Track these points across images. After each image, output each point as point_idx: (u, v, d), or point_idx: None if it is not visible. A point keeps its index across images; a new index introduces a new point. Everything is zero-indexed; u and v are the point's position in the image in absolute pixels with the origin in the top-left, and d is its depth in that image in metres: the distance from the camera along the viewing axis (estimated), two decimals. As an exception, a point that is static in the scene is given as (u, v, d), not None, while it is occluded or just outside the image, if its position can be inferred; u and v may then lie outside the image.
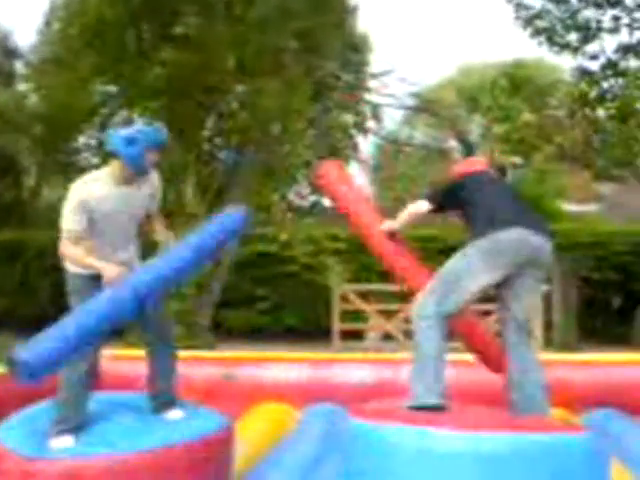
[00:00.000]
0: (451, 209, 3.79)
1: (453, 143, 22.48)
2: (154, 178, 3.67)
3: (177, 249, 3.45)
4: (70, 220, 3.41)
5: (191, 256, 3.40)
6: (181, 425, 3.44)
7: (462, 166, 3.97)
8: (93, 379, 3.51)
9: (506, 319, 3.44)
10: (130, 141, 3.42)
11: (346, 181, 4.16)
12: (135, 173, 3.50)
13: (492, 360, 3.72)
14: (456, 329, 3.67)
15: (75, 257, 3.42)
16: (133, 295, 3.20)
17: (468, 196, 3.60)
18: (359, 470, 2.89)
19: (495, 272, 3.31)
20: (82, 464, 3.07)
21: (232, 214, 3.71)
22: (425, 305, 3.31)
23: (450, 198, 3.70)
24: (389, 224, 3.83)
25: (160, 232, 3.75)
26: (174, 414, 3.58)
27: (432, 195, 3.79)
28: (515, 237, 3.32)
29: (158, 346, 3.64)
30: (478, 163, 3.96)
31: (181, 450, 3.20)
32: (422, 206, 3.73)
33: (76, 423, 3.34)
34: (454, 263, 3.38)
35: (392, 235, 3.84)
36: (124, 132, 3.47)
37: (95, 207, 3.43)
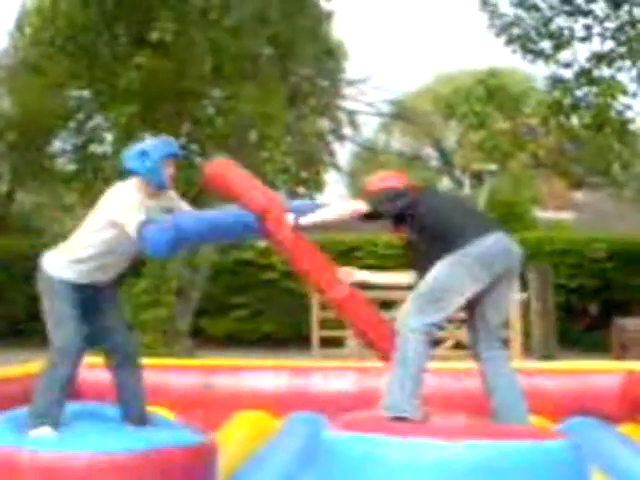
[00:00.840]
0: (394, 220, 3.57)
1: (429, 150, 22.62)
2: (171, 193, 3.69)
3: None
4: (136, 213, 3.33)
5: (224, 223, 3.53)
6: (159, 434, 3.39)
7: (394, 182, 3.74)
8: (72, 387, 3.48)
9: (477, 327, 3.40)
10: (143, 154, 3.47)
11: (241, 175, 3.91)
12: (156, 187, 3.52)
13: (378, 343, 3.62)
14: (344, 310, 3.69)
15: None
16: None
17: (429, 211, 3.45)
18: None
19: (479, 282, 3.25)
20: (63, 459, 3.04)
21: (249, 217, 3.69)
22: (410, 317, 3.26)
23: (404, 210, 3.48)
24: (293, 218, 3.62)
25: None
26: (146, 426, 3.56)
27: (378, 201, 3.55)
28: (498, 244, 3.30)
29: (125, 366, 3.59)
30: (400, 179, 3.79)
31: (161, 455, 3.16)
32: (360, 207, 3.54)
33: (53, 419, 3.32)
34: (438, 273, 3.28)
35: (296, 229, 3.65)
36: (136, 148, 3.53)
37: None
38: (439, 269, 3.28)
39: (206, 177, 3.88)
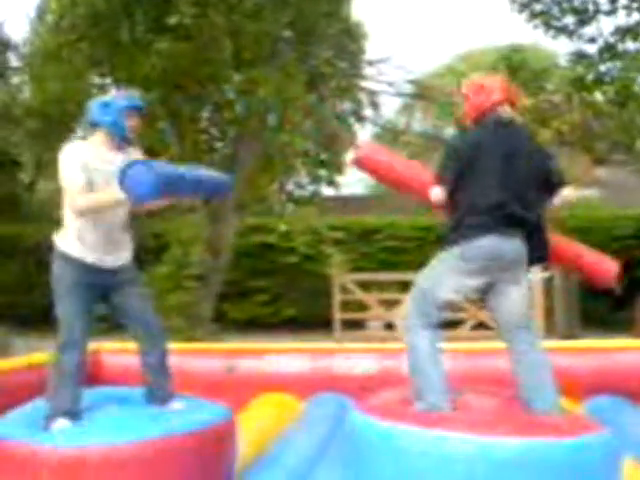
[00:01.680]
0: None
1: (451, 130, 22.44)
2: (137, 150, 3.69)
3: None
4: (73, 178, 3.38)
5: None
6: (181, 416, 3.40)
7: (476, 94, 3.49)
8: (84, 372, 3.47)
9: (499, 322, 3.40)
10: (105, 106, 3.49)
11: (386, 154, 3.93)
12: (120, 140, 3.54)
13: None
14: None
15: (95, 202, 3.38)
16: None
17: (464, 171, 3.31)
18: (368, 473, 2.85)
19: (469, 278, 3.27)
20: (83, 453, 3.02)
21: (221, 177, 3.76)
22: (409, 317, 3.34)
23: (455, 176, 3.32)
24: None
25: None
26: (174, 406, 3.56)
27: (440, 175, 3.41)
28: (486, 246, 3.24)
29: (149, 341, 3.60)
30: (493, 90, 3.47)
31: (181, 440, 3.14)
32: (435, 194, 3.42)
33: (71, 409, 3.32)
34: (428, 271, 3.37)
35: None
36: (99, 100, 3.55)
37: (93, 168, 3.43)
38: (430, 264, 3.37)
39: (357, 161, 3.87)
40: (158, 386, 3.60)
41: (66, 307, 3.42)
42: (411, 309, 3.34)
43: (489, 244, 3.23)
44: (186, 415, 3.39)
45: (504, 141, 3.38)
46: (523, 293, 3.37)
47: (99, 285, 3.49)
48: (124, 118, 3.51)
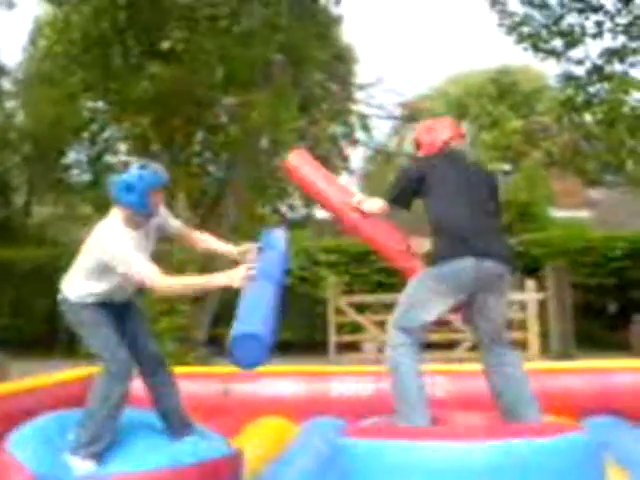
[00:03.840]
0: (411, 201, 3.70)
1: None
2: (161, 210, 3.65)
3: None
4: (136, 261, 3.31)
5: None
6: (192, 447, 3.41)
7: (424, 135, 3.81)
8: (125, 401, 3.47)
9: (478, 336, 3.54)
10: (129, 188, 3.41)
11: (317, 167, 4.16)
12: (143, 218, 3.51)
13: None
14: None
15: (183, 285, 3.46)
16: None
17: (426, 191, 3.54)
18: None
19: (447, 298, 3.40)
20: None
21: (272, 234, 3.80)
22: (391, 335, 3.47)
23: (405, 195, 3.63)
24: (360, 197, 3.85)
25: (202, 241, 3.84)
26: (186, 437, 3.57)
27: (389, 190, 3.71)
28: (466, 269, 3.34)
29: (159, 374, 3.61)
30: (443, 129, 3.79)
31: (189, 472, 3.16)
32: (373, 206, 3.74)
33: (105, 446, 3.30)
34: (409, 292, 3.51)
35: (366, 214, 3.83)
36: (122, 179, 3.45)
37: None
38: (410, 284, 3.53)
39: (286, 170, 4.12)
40: (177, 418, 3.61)
41: (105, 344, 3.40)
42: (394, 329, 3.45)
43: (464, 265, 3.33)
44: (194, 447, 3.40)
45: (459, 164, 3.62)
46: (501, 311, 3.47)
47: (115, 313, 3.54)
48: (148, 198, 3.44)
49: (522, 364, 3.47)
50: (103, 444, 3.28)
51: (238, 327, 3.08)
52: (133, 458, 3.16)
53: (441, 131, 3.76)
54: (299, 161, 4.14)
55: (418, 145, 3.85)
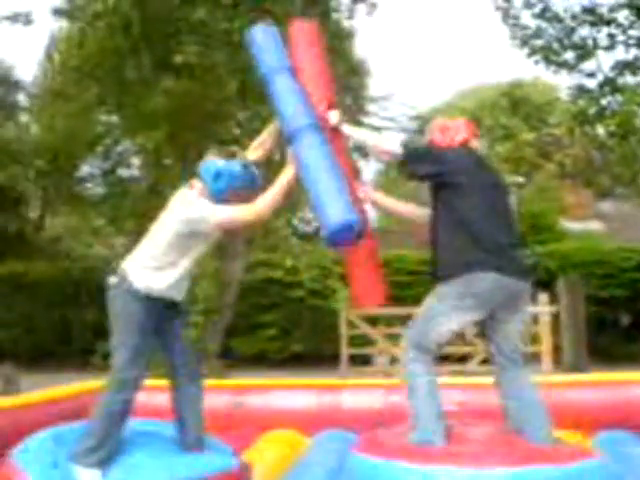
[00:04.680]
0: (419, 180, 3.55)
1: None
2: None
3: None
4: (216, 209, 3.43)
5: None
6: (202, 461, 3.41)
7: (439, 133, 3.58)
8: (132, 408, 3.45)
9: (494, 353, 3.47)
10: (217, 176, 3.51)
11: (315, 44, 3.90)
12: (213, 199, 3.55)
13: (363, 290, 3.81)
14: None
15: (274, 195, 3.48)
16: None
17: (453, 185, 3.33)
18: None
19: (469, 314, 3.32)
20: None
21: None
22: (407, 349, 3.40)
23: (424, 166, 3.41)
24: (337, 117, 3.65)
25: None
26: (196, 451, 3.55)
27: (410, 154, 3.46)
28: (489, 284, 3.26)
29: (187, 383, 3.59)
30: (458, 128, 3.57)
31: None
32: (395, 149, 3.48)
33: (108, 454, 3.29)
34: (429, 304, 3.40)
35: (335, 130, 3.65)
36: (217, 166, 3.54)
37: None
38: (431, 296, 3.41)
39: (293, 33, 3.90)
40: (193, 430, 3.57)
41: (131, 344, 3.35)
42: (411, 342, 3.39)
43: (487, 282, 3.25)
44: (197, 460, 3.40)
45: (485, 166, 3.46)
46: (518, 327, 3.41)
47: (161, 319, 3.49)
48: (230, 193, 3.54)
49: (536, 387, 3.41)
50: (105, 453, 3.26)
51: (331, 215, 3.24)
52: (133, 471, 3.13)
53: (456, 130, 3.57)
54: (300, 31, 3.92)
55: (431, 145, 3.62)
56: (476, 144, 3.58)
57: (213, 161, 3.56)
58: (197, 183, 3.60)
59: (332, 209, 3.26)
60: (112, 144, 14.18)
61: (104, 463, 3.26)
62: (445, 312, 3.31)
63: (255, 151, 3.88)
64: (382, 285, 3.82)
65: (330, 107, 3.66)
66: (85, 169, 14.73)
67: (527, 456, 2.88)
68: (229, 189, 3.52)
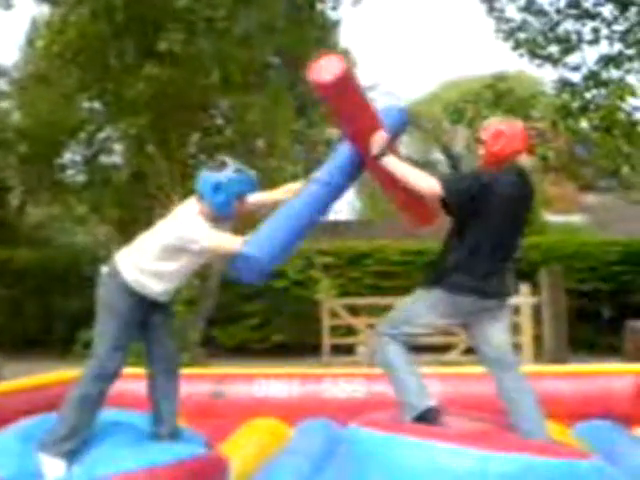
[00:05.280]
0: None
1: (438, 156, 22.61)
2: (227, 223, 3.69)
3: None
4: (209, 233, 3.38)
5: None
6: (170, 449, 3.38)
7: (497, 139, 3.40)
8: (105, 399, 3.44)
9: (480, 354, 3.55)
10: (217, 188, 3.44)
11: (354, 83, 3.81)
12: (221, 218, 3.52)
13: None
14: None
15: (217, 243, 3.40)
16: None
17: (479, 210, 3.30)
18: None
19: (442, 319, 3.47)
20: None
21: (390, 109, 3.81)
22: (384, 326, 3.52)
23: (462, 200, 3.31)
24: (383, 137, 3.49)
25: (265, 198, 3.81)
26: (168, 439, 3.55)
27: (449, 183, 3.36)
28: (468, 305, 3.39)
29: (164, 375, 3.59)
30: (514, 138, 3.42)
31: (164, 473, 3.11)
32: (434, 186, 3.32)
33: (76, 446, 3.26)
34: (412, 302, 3.51)
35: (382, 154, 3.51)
36: (213, 178, 3.47)
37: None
38: (417, 297, 3.51)
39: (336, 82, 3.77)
40: (166, 421, 3.58)
41: (113, 335, 3.35)
42: (384, 330, 3.49)
43: (469, 303, 3.37)
44: (170, 447, 3.39)
45: (517, 188, 3.40)
46: (501, 327, 3.49)
47: (147, 313, 3.49)
48: (234, 202, 3.49)
49: (528, 388, 3.43)
50: (75, 443, 3.24)
51: (246, 245, 3.32)
52: (103, 459, 3.11)
53: (511, 140, 3.42)
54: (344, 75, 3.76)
55: (486, 152, 3.47)
56: (524, 159, 3.63)
57: (207, 175, 3.50)
58: (196, 202, 3.53)
59: (251, 239, 3.38)
60: (95, 131, 14.05)
61: (72, 453, 3.23)
62: (420, 314, 3.44)
63: (284, 194, 3.78)
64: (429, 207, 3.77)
65: (371, 137, 3.52)
66: (67, 156, 14.58)
67: (526, 446, 2.91)
68: (232, 197, 3.47)
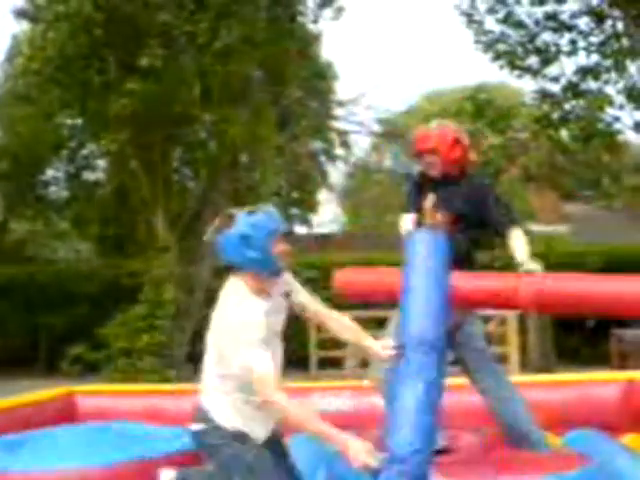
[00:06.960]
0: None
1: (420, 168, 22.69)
2: (286, 276, 2.90)
3: None
4: (261, 354, 2.58)
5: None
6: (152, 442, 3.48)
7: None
8: None
9: (464, 368, 3.66)
10: (243, 240, 2.66)
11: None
12: (271, 276, 2.76)
13: None
14: None
15: (302, 418, 2.62)
16: None
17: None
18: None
19: None
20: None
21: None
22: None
23: None
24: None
25: (346, 329, 3.17)
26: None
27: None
28: None
29: None
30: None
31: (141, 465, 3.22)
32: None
33: None
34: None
35: None
36: (234, 234, 2.68)
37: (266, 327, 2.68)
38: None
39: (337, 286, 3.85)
40: None
41: None
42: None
43: None
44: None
45: None
46: (478, 339, 3.55)
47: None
48: (270, 247, 2.70)
49: (513, 387, 3.44)
50: None
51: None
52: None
53: (467, 149, 3.57)
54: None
55: (442, 160, 3.52)
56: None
57: (223, 235, 2.73)
58: (238, 279, 2.77)
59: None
60: (77, 147, 13.98)
61: None
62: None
63: (349, 334, 3.21)
64: None
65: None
66: (49, 172, 14.50)
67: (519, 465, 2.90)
68: (268, 243, 2.70)
